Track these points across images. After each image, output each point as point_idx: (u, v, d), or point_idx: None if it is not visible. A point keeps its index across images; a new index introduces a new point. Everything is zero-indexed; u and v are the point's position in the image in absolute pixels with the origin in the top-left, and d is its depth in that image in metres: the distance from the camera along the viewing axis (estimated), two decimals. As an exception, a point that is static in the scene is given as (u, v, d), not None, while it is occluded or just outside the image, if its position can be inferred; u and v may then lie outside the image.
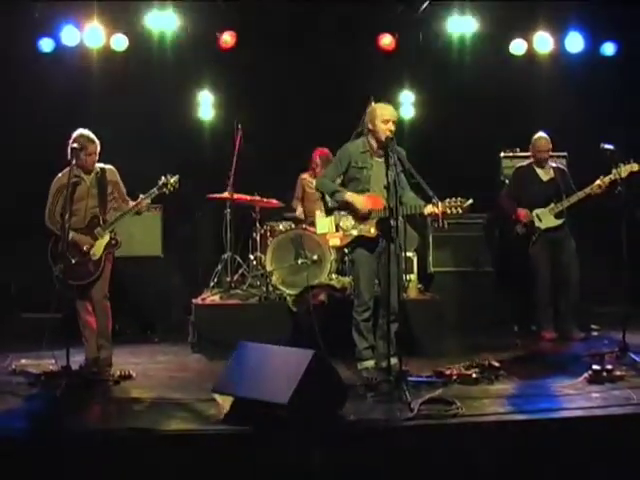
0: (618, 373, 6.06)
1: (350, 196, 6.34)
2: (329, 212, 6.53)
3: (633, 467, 4.89)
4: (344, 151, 6.51)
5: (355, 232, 6.38)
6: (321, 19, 9.16)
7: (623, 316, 6.80)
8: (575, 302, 8.04)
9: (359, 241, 6.40)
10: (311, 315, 7.24)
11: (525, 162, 8.31)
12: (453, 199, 6.10)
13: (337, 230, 6.45)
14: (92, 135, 6.57)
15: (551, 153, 8.14)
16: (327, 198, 6.55)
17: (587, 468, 4.85)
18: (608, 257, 7.76)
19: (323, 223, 6.55)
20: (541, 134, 8.10)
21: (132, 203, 6.71)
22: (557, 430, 5.04)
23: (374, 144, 6.36)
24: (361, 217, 6.35)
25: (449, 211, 6.10)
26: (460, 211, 6.10)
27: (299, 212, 8.91)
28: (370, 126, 6.34)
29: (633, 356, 6.59)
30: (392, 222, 5.97)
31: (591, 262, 8.40)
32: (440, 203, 6.07)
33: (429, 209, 6.16)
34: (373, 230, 6.31)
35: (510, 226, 8.16)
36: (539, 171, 8.14)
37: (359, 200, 6.32)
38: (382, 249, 6.33)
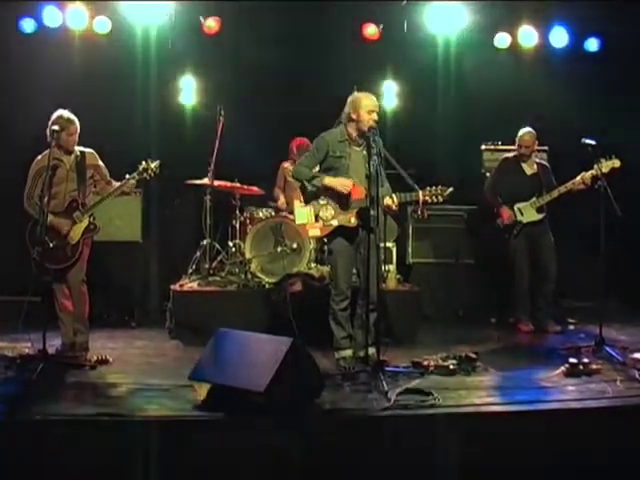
0: (594, 366, 6.10)
1: (329, 180, 6.24)
2: (308, 201, 6.46)
3: (607, 459, 4.92)
4: (321, 140, 6.40)
5: (335, 222, 6.31)
6: (306, 7, 9.10)
7: (600, 310, 6.85)
8: (552, 296, 8.10)
9: (338, 231, 6.35)
10: (289, 303, 7.24)
11: (511, 154, 8.32)
12: (433, 187, 6.16)
13: (317, 220, 6.35)
14: (72, 115, 6.53)
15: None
16: (306, 184, 6.42)
17: (561, 459, 4.88)
18: (586, 252, 7.80)
19: (302, 213, 6.40)
20: (527, 129, 8.10)
21: (115, 184, 6.66)
22: (533, 422, 5.07)
23: (354, 133, 6.30)
24: (343, 203, 6.26)
25: (429, 199, 6.11)
26: (440, 199, 6.14)
27: (281, 202, 8.84)
28: (353, 115, 6.26)
29: (609, 350, 6.65)
30: (372, 212, 5.95)
31: (569, 257, 8.44)
32: (420, 191, 6.10)
33: (390, 200, 6.18)
34: (354, 220, 6.26)
35: (492, 219, 8.19)
36: (523, 165, 8.16)
37: (339, 181, 6.21)
38: (361, 239, 6.31)
